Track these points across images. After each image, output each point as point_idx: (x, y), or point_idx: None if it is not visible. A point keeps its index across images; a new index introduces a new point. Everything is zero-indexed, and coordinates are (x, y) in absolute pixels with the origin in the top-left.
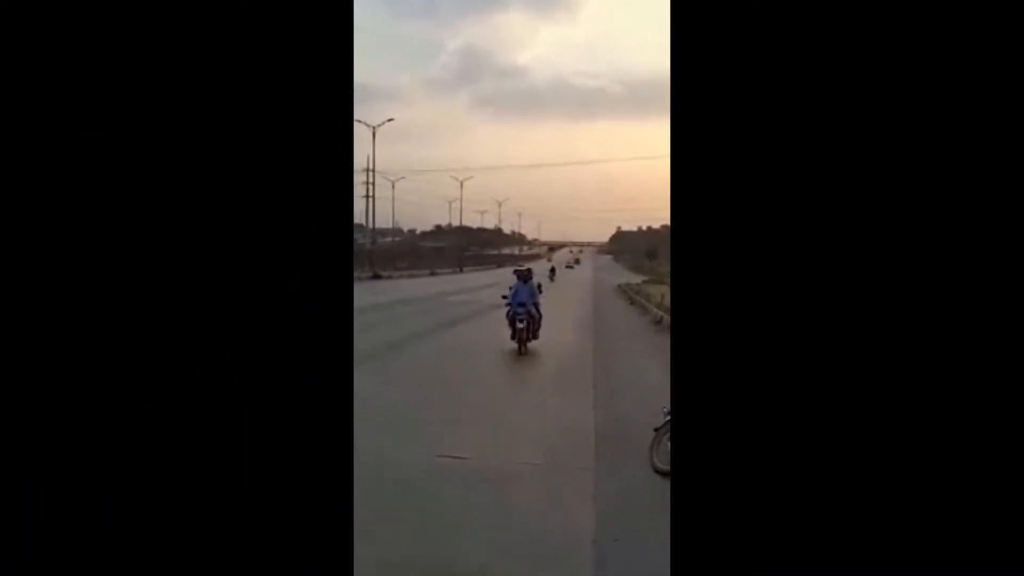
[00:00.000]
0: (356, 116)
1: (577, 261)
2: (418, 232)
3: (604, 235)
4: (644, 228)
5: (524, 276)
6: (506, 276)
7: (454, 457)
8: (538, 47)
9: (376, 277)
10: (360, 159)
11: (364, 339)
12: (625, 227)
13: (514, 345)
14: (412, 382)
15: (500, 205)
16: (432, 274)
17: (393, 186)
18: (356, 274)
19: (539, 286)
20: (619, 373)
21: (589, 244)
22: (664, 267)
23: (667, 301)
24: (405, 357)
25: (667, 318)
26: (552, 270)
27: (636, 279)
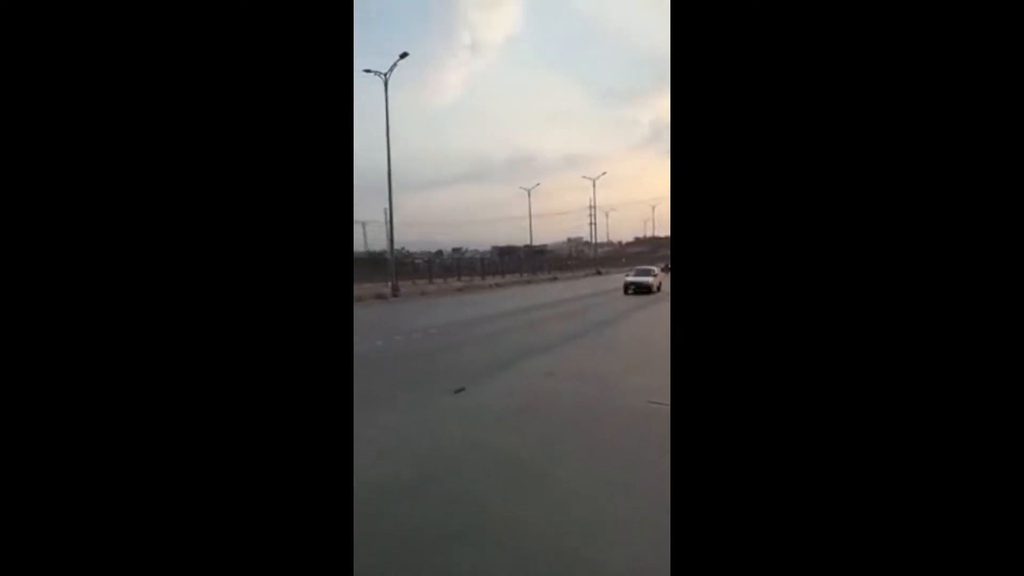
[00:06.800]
0: (586, 175)
1: None
2: (624, 243)
3: None
4: None
5: None
6: None
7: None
8: None
9: (598, 273)
10: (586, 201)
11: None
12: None
13: None
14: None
15: None
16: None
17: (607, 215)
18: (585, 271)
19: None
20: None
21: None
22: None
23: None
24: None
25: None
26: None
27: None
